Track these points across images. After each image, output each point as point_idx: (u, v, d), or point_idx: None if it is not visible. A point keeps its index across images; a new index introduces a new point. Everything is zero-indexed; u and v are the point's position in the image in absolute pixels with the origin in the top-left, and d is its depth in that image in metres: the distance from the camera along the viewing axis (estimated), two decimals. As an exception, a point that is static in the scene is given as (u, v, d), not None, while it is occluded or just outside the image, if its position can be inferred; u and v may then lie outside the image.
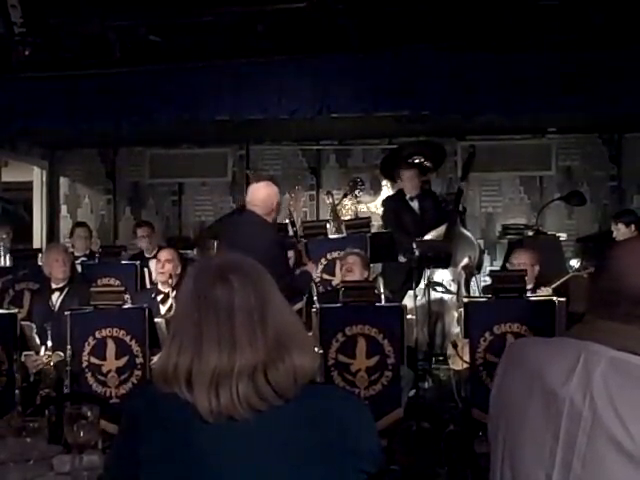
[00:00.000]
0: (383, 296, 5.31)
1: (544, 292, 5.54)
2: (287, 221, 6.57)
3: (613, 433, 1.44)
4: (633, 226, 6.48)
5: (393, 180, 7.95)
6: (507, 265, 6.01)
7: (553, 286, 5.63)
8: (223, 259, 1.69)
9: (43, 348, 5.19)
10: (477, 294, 6.71)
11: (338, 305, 5.03)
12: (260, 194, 5.01)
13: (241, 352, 1.52)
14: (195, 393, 1.52)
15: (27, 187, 9.33)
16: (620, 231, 6.47)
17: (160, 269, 5.82)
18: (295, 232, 6.01)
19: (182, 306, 1.64)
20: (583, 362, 1.52)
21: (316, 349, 1.61)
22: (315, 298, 5.25)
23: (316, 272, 5.62)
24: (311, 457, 1.53)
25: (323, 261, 6.24)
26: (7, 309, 5.63)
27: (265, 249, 4.48)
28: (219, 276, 1.59)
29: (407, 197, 7.16)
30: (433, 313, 6.39)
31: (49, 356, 5.13)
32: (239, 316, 1.55)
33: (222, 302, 1.55)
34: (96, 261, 6.91)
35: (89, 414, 2.36)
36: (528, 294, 5.33)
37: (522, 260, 5.69)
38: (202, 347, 1.53)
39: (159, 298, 5.77)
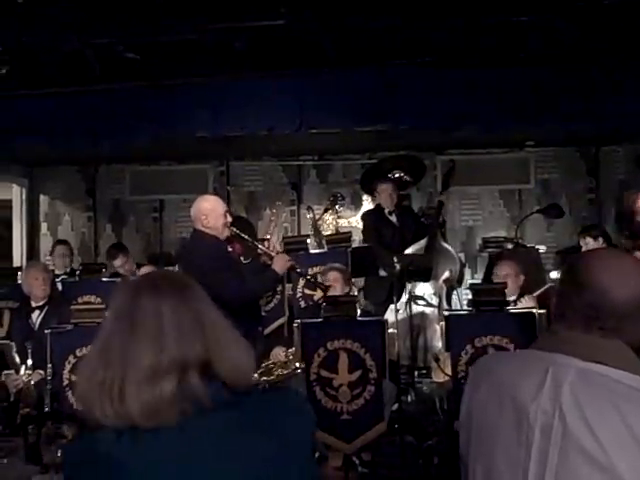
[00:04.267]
0: (358, 308, 5.32)
1: (527, 300, 5.58)
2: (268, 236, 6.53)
3: (583, 444, 1.45)
4: (601, 239, 6.57)
5: (373, 195, 7.97)
6: (492, 277, 6.03)
7: (535, 294, 5.68)
8: (148, 274, 1.72)
9: (23, 367, 5.15)
10: (458, 307, 6.73)
11: (319, 320, 5.03)
12: (192, 211, 4.99)
13: (173, 348, 1.49)
14: (127, 401, 1.47)
15: (6, 205, 9.27)
16: (589, 245, 6.55)
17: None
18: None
19: (108, 321, 1.61)
20: (552, 375, 1.53)
21: (251, 352, 1.61)
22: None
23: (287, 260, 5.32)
24: (248, 468, 1.48)
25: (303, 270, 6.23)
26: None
27: (199, 262, 4.59)
28: (145, 286, 1.60)
29: (386, 211, 7.20)
30: (415, 327, 6.40)
31: (29, 375, 5.09)
32: (168, 318, 1.53)
33: (149, 308, 1.54)
34: (76, 279, 6.86)
35: (67, 433, 2.34)
36: (512, 305, 5.37)
37: (507, 271, 5.74)
38: (133, 353, 1.50)
39: (140, 315, 5.73)
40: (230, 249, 5.24)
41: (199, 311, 1.56)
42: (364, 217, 7.63)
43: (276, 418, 1.54)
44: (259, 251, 5.33)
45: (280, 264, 4.99)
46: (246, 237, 5.16)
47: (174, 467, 1.47)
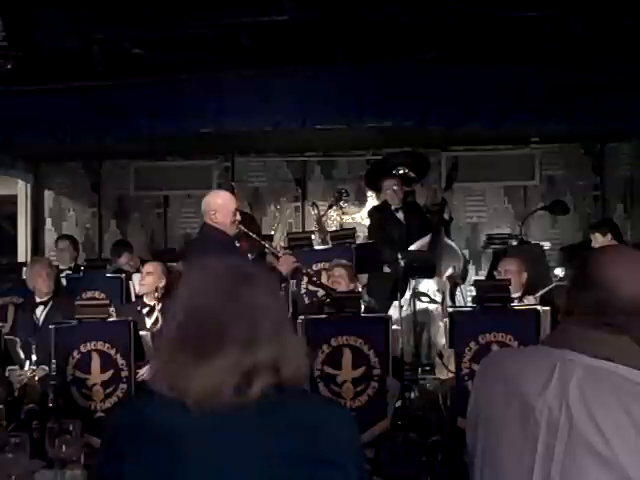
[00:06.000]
0: (362, 303, 5.32)
1: (530, 301, 5.58)
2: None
3: (590, 440, 1.45)
4: (610, 235, 6.56)
5: (378, 191, 7.96)
6: (494, 274, 6.02)
7: (538, 294, 5.68)
8: (235, 263, 1.69)
9: (27, 362, 5.16)
10: (462, 304, 6.73)
11: (323, 316, 5.03)
12: (202, 204, 4.95)
13: (260, 348, 1.52)
14: (193, 386, 1.50)
15: (11, 200, 9.29)
16: (597, 241, 6.54)
17: (141, 281, 5.84)
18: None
19: (198, 302, 1.60)
20: (559, 371, 1.53)
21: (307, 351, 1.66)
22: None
23: (293, 261, 5.12)
24: (283, 462, 1.50)
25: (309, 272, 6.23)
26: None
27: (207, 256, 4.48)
28: (242, 276, 1.61)
29: (392, 208, 7.19)
30: (419, 323, 6.39)
31: (33, 370, 5.11)
32: (261, 314, 1.56)
33: (244, 299, 1.56)
34: (81, 274, 6.87)
35: (71, 429, 2.34)
36: (516, 302, 5.37)
37: (509, 267, 5.74)
38: (223, 344, 1.52)
39: (145, 311, 5.75)
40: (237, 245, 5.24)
41: (280, 310, 1.63)
42: (371, 214, 7.63)
43: (321, 420, 1.56)
44: (265, 250, 5.31)
45: (286, 265, 4.99)
46: (254, 236, 5.15)
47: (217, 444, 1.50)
